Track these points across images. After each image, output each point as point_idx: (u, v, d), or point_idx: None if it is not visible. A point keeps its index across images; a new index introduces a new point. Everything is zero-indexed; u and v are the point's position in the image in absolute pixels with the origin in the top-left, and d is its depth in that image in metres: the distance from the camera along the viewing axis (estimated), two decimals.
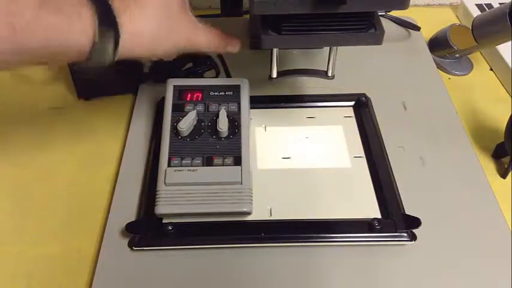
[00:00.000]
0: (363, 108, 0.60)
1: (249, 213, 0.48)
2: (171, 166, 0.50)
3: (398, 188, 0.51)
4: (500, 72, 0.70)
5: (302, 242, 0.48)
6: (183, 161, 0.50)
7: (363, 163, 0.54)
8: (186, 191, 0.48)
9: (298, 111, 0.60)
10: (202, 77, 0.61)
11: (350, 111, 0.60)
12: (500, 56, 0.68)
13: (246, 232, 0.48)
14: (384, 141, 0.56)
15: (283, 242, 0.48)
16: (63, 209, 0.53)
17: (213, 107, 0.54)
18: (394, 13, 0.74)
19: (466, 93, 0.66)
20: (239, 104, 0.55)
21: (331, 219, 0.49)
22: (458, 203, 0.51)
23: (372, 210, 0.50)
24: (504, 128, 0.55)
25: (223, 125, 0.52)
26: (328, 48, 0.55)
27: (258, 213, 0.49)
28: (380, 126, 0.58)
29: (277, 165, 0.54)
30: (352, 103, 0.61)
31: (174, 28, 0.44)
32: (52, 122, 0.61)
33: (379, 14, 0.53)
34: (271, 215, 0.50)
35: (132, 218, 0.49)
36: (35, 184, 0.55)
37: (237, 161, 0.50)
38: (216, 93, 0.56)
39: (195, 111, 0.54)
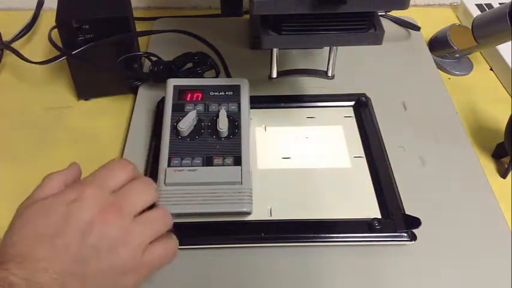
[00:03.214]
0: (363, 108, 0.60)
1: (249, 213, 0.48)
2: (171, 166, 0.50)
3: (399, 188, 0.51)
4: (500, 72, 0.69)
5: (302, 242, 0.48)
6: (183, 161, 0.50)
7: (363, 163, 0.54)
8: (186, 191, 0.48)
9: (298, 111, 0.60)
10: (202, 77, 0.61)
11: (350, 111, 0.60)
12: (500, 56, 0.68)
13: (246, 232, 0.48)
14: (384, 141, 0.56)
15: (283, 242, 0.47)
16: None
17: (213, 107, 0.55)
18: (394, 13, 0.74)
19: (466, 93, 0.66)
20: (239, 104, 0.55)
21: (331, 219, 0.49)
22: (458, 203, 0.51)
23: (372, 210, 0.50)
24: (504, 128, 0.55)
25: (223, 125, 0.52)
26: (328, 48, 0.55)
27: (258, 213, 0.49)
28: (380, 126, 0.58)
29: (277, 165, 0.54)
30: (352, 103, 0.61)
31: None
32: (52, 122, 0.61)
33: (379, 14, 0.53)
34: (271, 215, 0.50)
35: None
36: (35, 184, 0.55)
37: (237, 161, 0.50)
38: (216, 93, 0.56)
39: (195, 111, 0.54)
